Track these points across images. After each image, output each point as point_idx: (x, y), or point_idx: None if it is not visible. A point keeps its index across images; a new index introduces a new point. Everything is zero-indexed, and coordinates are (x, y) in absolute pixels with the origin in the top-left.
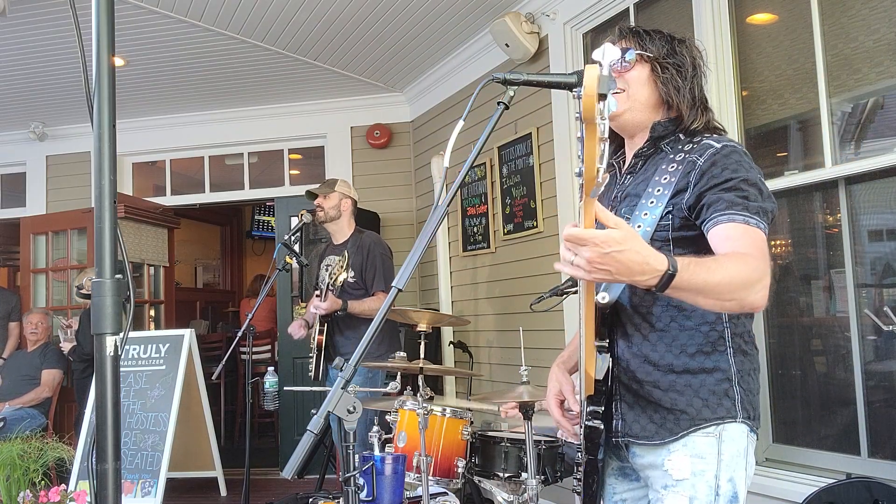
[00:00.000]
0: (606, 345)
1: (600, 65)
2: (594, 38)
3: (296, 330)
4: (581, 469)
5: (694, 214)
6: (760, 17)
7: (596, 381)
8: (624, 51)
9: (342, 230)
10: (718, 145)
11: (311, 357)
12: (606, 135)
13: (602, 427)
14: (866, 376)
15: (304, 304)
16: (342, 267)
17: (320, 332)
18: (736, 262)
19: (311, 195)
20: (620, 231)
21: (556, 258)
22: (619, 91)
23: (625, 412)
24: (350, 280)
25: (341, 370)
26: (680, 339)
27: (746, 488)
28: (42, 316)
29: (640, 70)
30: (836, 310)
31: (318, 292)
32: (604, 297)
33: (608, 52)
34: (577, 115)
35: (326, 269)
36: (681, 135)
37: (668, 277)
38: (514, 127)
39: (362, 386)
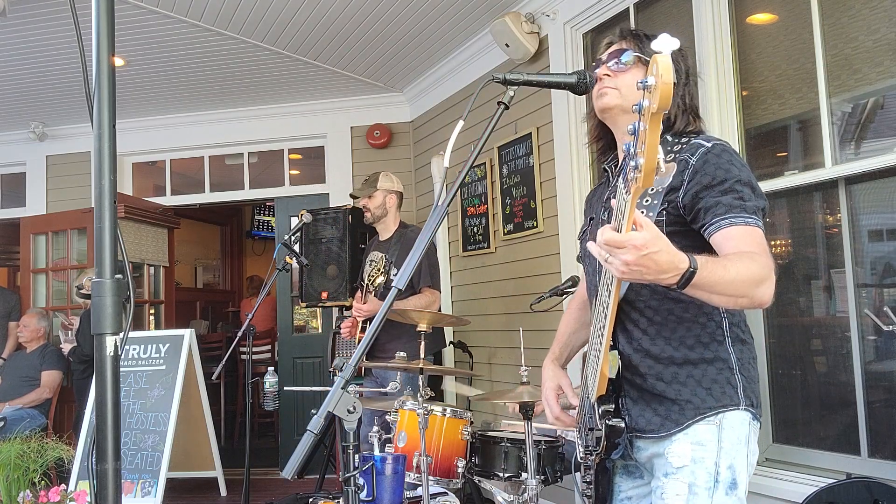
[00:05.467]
0: (611, 342)
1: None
2: (594, 38)
3: (345, 330)
4: (591, 470)
5: (690, 215)
6: (760, 17)
7: (609, 379)
8: (621, 52)
9: (388, 227)
10: (709, 144)
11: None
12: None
13: (624, 425)
14: (866, 376)
15: (304, 304)
16: (380, 270)
17: (362, 330)
18: (746, 261)
19: (354, 197)
20: (650, 232)
21: (557, 258)
22: (613, 88)
23: (630, 407)
24: (394, 277)
25: (341, 370)
26: (678, 331)
27: (749, 476)
28: (32, 318)
29: (636, 72)
30: (836, 310)
31: (361, 288)
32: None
33: (669, 43)
34: (638, 106)
35: (371, 265)
36: (668, 136)
37: (690, 274)
38: (514, 127)
39: (406, 385)
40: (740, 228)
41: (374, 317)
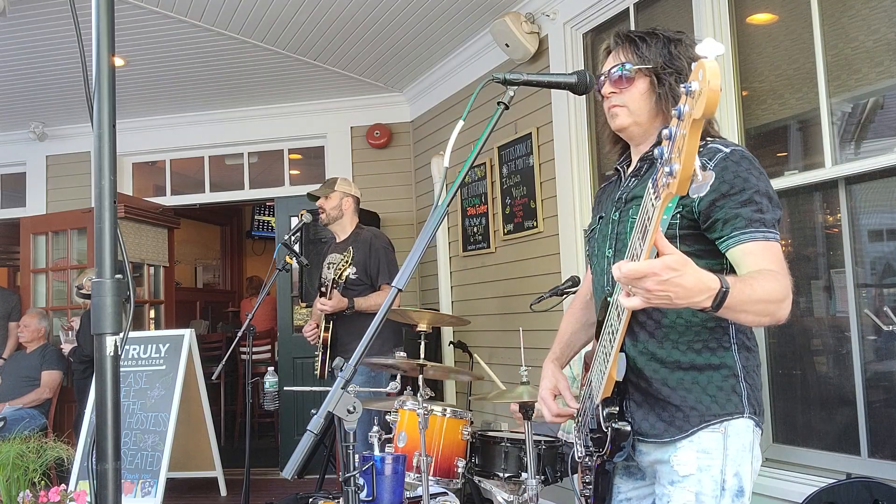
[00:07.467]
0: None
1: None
2: (594, 37)
3: (309, 332)
4: (591, 472)
5: (706, 223)
6: (760, 17)
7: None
8: (622, 65)
9: (344, 229)
10: (727, 150)
11: (317, 354)
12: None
13: (629, 429)
14: (866, 376)
15: (304, 304)
16: (347, 262)
17: (326, 329)
18: (770, 280)
19: (313, 197)
20: (675, 257)
21: (557, 258)
22: (621, 107)
23: (633, 411)
24: (352, 276)
25: (341, 370)
26: (686, 335)
27: (753, 482)
28: (32, 318)
29: (640, 84)
30: (836, 310)
31: (322, 290)
32: None
33: (714, 48)
34: (677, 111)
35: (329, 267)
36: None
37: (724, 294)
38: (514, 127)
39: (364, 385)
40: (760, 244)
41: (336, 313)
